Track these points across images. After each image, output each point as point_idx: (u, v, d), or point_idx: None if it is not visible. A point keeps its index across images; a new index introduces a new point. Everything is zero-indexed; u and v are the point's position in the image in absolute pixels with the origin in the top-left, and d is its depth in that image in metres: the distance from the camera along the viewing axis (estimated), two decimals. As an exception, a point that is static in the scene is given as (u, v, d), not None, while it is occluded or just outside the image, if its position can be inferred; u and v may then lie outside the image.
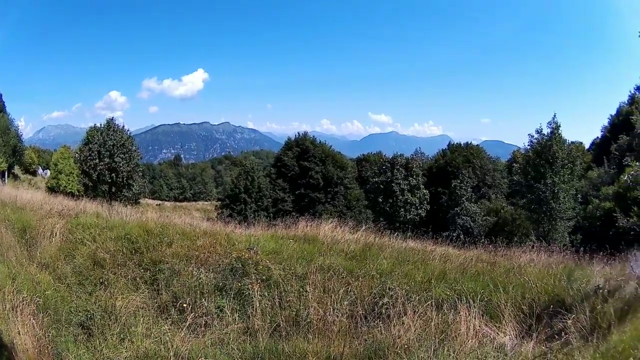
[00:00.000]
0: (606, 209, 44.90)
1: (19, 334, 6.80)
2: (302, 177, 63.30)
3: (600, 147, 70.78)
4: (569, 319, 7.58)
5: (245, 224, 16.83)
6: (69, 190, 56.39)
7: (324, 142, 70.39)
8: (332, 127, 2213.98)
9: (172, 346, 6.98)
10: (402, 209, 58.75)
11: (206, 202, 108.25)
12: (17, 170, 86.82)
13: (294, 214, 28.33)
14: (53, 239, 11.55)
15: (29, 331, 6.86)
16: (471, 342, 7.13)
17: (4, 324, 7.10)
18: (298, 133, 70.48)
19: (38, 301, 8.00)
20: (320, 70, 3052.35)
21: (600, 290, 8.44)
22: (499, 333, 7.71)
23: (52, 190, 55.39)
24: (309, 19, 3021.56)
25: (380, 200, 59.99)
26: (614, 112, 76.78)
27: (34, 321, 7.06)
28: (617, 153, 58.16)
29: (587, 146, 77.39)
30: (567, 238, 43.25)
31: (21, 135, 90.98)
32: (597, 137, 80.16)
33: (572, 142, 49.27)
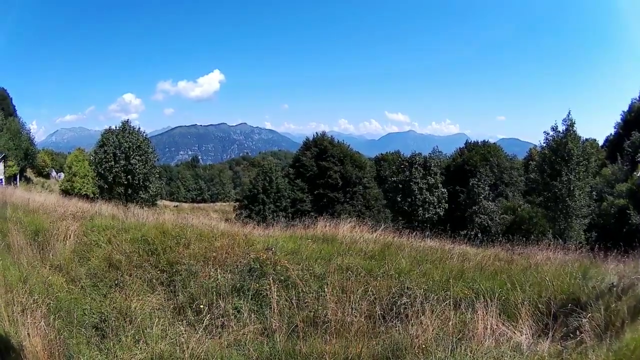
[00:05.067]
0: (620, 206, 44.78)
1: (29, 336, 6.75)
2: (321, 177, 63.66)
3: (614, 144, 70.59)
4: (584, 317, 7.54)
5: (264, 224, 16.82)
6: (84, 193, 56.73)
7: (342, 141, 71.10)
8: (350, 126, 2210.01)
9: (188, 347, 6.95)
10: (421, 208, 59.10)
11: (224, 203, 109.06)
12: (29, 173, 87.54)
13: (312, 214, 28.40)
14: (67, 242, 11.45)
15: (40, 333, 6.80)
16: (488, 341, 7.08)
17: (14, 327, 7.06)
18: (316, 133, 71.46)
19: (50, 303, 7.95)
20: (336, 70, 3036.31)
21: (615, 288, 8.45)
22: (516, 332, 7.64)
23: (66, 192, 55.79)
24: (325, 19, 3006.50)
25: (398, 199, 60.38)
26: (626, 108, 76.52)
27: (44, 323, 7.01)
28: (630, 150, 57.96)
29: (600, 143, 77.16)
30: (583, 236, 43.18)
31: (33, 138, 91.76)
32: (611, 134, 79.92)
33: (587, 139, 49.19)
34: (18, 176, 75.58)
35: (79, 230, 12.14)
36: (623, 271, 9.87)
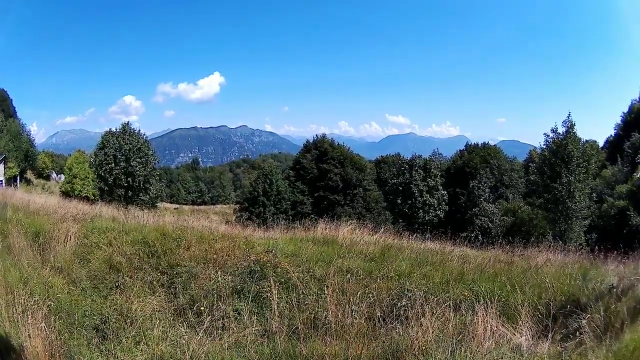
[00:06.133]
0: (620, 207, 44.80)
1: (30, 337, 6.75)
2: (321, 180, 63.60)
3: (614, 145, 70.57)
4: (584, 318, 7.54)
5: (264, 227, 16.81)
6: (84, 195, 56.77)
7: (342, 144, 70.98)
8: (350, 129, 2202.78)
9: (189, 349, 6.95)
10: (421, 210, 59.34)
11: (224, 206, 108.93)
12: (29, 175, 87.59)
13: (313, 216, 28.42)
14: (67, 243, 11.45)
15: (40, 334, 6.81)
16: (488, 343, 7.06)
17: (14, 328, 7.07)
18: (316, 135, 71.46)
19: (50, 305, 7.96)
20: (337, 72, 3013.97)
21: (614, 290, 8.43)
22: (516, 334, 7.63)
23: (66, 194, 55.75)
24: (326, 20, 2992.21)
25: (399, 201, 60.68)
26: (626, 109, 76.51)
27: (45, 325, 7.02)
28: (630, 151, 57.98)
29: (601, 144, 77.10)
30: (583, 237, 43.21)
31: (33, 140, 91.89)
32: (611, 135, 79.91)
33: (587, 141, 49.25)
34: (18, 178, 75.65)
35: (80, 232, 12.13)
36: (623, 272, 9.84)
